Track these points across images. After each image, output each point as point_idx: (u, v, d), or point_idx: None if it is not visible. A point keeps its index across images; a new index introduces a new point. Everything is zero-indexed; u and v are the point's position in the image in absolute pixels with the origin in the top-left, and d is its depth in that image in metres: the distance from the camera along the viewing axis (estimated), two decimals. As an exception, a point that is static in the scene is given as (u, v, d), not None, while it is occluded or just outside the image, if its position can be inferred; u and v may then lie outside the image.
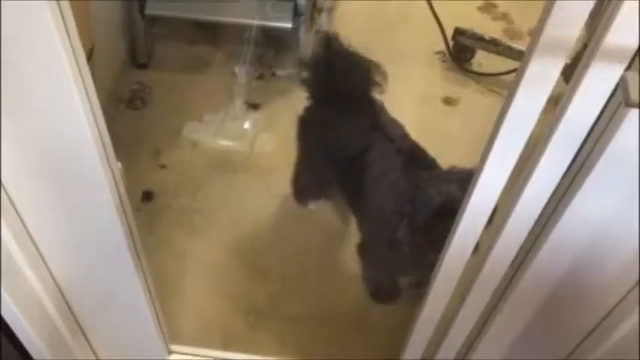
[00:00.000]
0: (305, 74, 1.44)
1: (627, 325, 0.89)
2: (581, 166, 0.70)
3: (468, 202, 0.81)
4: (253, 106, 1.95)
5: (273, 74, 2.04)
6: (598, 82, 0.60)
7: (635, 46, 0.56)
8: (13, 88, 0.70)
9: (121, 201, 0.90)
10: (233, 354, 1.34)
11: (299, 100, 1.86)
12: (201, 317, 1.50)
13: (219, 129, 1.89)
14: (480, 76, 2.06)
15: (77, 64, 0.71)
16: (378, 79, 1.38)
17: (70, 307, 1.10)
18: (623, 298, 0.86)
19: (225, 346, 1.42)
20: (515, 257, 0.87)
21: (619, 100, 0.59)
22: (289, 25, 1.87)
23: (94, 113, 0.77)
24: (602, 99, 0.61)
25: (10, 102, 0.72)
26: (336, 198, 1.64)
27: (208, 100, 1.95)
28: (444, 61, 2.11)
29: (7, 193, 0.84)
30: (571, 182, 0.72)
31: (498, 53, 2.01)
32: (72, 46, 0.69)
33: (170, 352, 1.29)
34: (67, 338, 1.13)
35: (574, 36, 0.59)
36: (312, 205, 1.69)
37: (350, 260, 1.48)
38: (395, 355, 1.27)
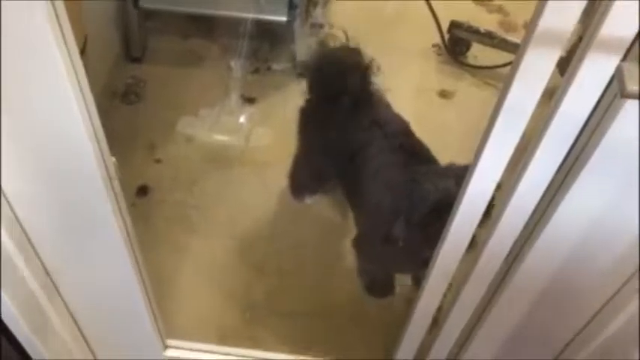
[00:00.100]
0: (302, 70, 1.43)
1: (622, 319, 0.90)
2: (577, 158, 0.70)
3: (462, 196, 0.80)
4: (249, 100, 1.94)
5: (269, 68, 2.04)
6: (594, 74, 0.59)
7: (631, 37, 0.56)
8: (5, 83, 0.70)
9: (116, 196, 0.90)
10: (229, 349, 1.34)
11: (294, 93, 1.87)
12: (198, 312, 1.50)
13: (214, 123, 1.88)
14: (476, 69, 2.05)
15: (70, 58, 0.70)
16: (374, 74, 1.38)
17: (65, 304, 1.10)
18: (618, 290, 0.86)
19: (222, 340, 1.42)
20: (510, 251, 0.87)
21: (615, 92, 0.59)
22: (284, 19, 1.86)
23: (87, 108, 0.76)
24: (598, 90, 0.61)
25: (2, 98, 0.71)
26: (335, 192, 1.64)
27: (203, 94, 1.94)
28: (439, 54, 2.11)
29: (1, 189, 0.83)
30: (566, 175, 0.72)
31: (494, 46, 2.00)
32: (65, 41, 0.68)
33: (166, 347, 1.29)
34: (63, 335, 1.13)
35: (569, 28, 0.58)
36: (309, 200, 1.69)
37: (346, 255, 1.48)
38: (391, 349, 1.27)
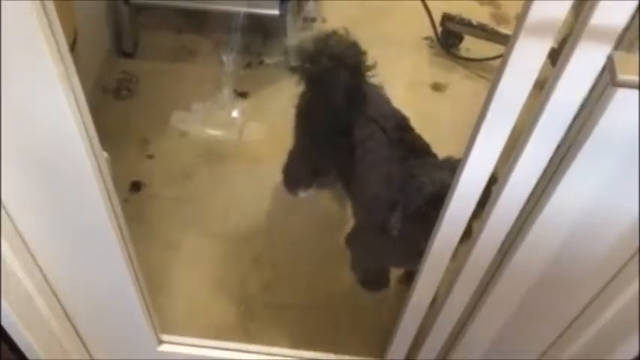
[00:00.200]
0: (296, 65, 1.42)
1: (614, 309, 0.90)
2: (569, 148, 0.70)
3: (455, 187, 0.81)
4: (241, 95, 1.94)
5: (261, 62, 2.03)
6: (585, 63, 0.59)
7: (622, 26, 0.56)
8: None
9: (108, 191, 0.89)
10: (224, 343, 1.34)
11: (287, 87, 1.86)
12: (193, 307, 1.50)
13: (207, 118, 1.88)
14: (468, 62, 2.06)
15: (60, 54, 0.70)
16: (372, 69, 1.38)
17: (59, 300, 1.10)
18: (611, 278, 0.87)
19: (217, 334, 1.42)
20: (503, 243, 0.87)
21: (606, 81, 0.59)
22: (276, 12, 1.85)
23: (78, 104, 0.76)
24: (590, 79, 0.61)
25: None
26: (333, 186, 1.64)
27: (196, 89, 1.94)
28: (432, 47, 2.11)
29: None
30: (559, 165, 0.72)
31: (486, 38, 2.00)
32: (54, 36, 0.68)
33: (161, 343, 1.29)
34: (57, 332, 1.12)
35: (560, 18, 0.58)
36: (303, 194, 1.68)
37: (341, 248, 1.48)
38: (386, 342, 1.27)
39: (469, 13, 2.05)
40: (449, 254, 0.93)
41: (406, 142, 1.31)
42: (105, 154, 0.89)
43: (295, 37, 1.98)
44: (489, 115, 0.70)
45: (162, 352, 1.29)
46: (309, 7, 2.17)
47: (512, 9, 2.20)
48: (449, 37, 2.07)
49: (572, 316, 0.99)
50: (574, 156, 0.68)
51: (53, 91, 0.71)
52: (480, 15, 2.12)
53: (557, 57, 0.63)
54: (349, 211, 1.54)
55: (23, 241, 0.94)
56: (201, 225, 1.65)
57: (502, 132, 0.71)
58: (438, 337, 1.15)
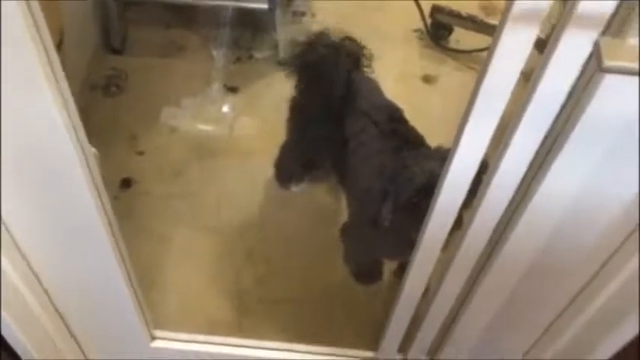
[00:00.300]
0: (287, 60, 1.42)
1: (605, 295, 0.91)
2: (558, 134, 0.70)
3: (445, 176, 0.81)
4: (231, 90, 1.93)
5: (251, 57, 2.02)
6: (572, 49, 0.59)
7: (609, 12, 0.56)
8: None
9: (97, 188, 0.89)
10: (218, 337, 1.33)
11: (277, 82, 1.86)
12: (186, 302, 1.50)
13: (197, 113, 1.87)
14: (458, 53, 2.06)
15: (46, 52, 0.69)
16: (364, 61, 1.38)
17: (50, 297, 1.09)
18: (603, 264, 0.87)
19: (211, 330, 1.42)
20: (494, 231, 0.87)
21: (594, 67, 0.59)
22: (265, 6, 1.84)
23: (65, 101, 0.75)
24: (578, 66, 0.61)
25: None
26: (327, 179, 1.64)
27: (186, 84, 1.93)
28: (421, 39, 2.10)
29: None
30: (548, 152, 0.72)
31: (476, 30, 2.00)
32: (39, 34, 0.67)
33: (153, 339, 1.28)
34: (50, 330, 1.12)
35: (545, 6, 0.58)
36: (295, 188, 1.68)
37: (334, 242, 1.48)
38: (379, 335, 1.28)
39: (458, 4, 2.05)
40: (440, 244, 0.93)
41: (400, 134, 1.31)
42: (93, 150, 0.89)
43: (285, 31, 1.98)
44: (478, 104, 0.69)
45: (155, 348, 1.29)
46: (299, 1, 2.16)
47: (501, 0, 2.20)
48: (438, 29, 2.07)
49: (562, 306, 0.99)
50: (563, 143, 0.68)
51: (39, 88, 0.71)
52: (470, 7, 2.11)
53: (545, 47, 0.63)
54: (343, 204, 1.54)
55: (13, 239, 0.93)
56: (193, 220, 1.64)
57: (490, 120, 0.71)
58: (431, 329, 1.15)
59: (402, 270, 1.48)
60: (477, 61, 2.02)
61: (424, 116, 1.78)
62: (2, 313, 0.97)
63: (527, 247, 0.87)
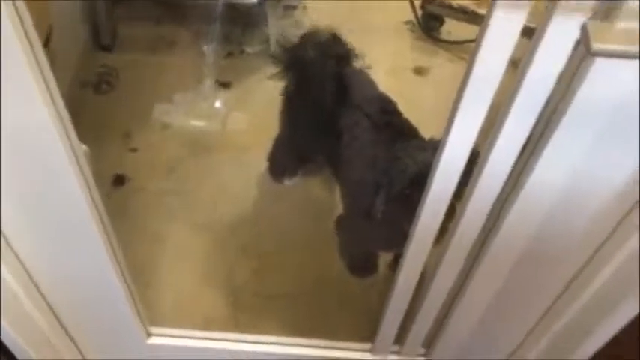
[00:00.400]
0: (278, 56, 1.41)
1: (599, 281, 0.91)
2: (549, 120, 0.70)
3: (437, 166, 0.81)
4: (223, 85, 1.93)
5: (242, 51, 2.02)
6: (561, 33, 0.59)
7: (596, -5, 0.56)
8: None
9: (88, 184, 0.88)
10: (214, 333, 1.33)
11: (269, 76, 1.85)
12: (182, 299, 1.50)
13: (190, 109, 1.87)
14: (450, 45, 2.05)
15: (32, 50, 0.68)
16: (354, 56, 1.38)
17: (43, 296, 1.09)
18: (596, 250, 0.87)
19: (207, 325, 1.42)
20: (487, 220, 0.87)
21: (583, 51, 0.59)
22: (255, 0, 1.84)
23: (53, 99, 0.74)
24: (567, 50, 0.61)
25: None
26: (320, 173, 1.63)
27: (177, 80, 1.92)
28: (413, 31, 2.10)
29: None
30: (539, 138, 0.72)
31: (467, 21, 2.00)
32: (25, 32, 0.66)
33: (149, 335, 1.28)
34: (46, 330, 1.12)
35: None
36: (288, 182, 1.68)
37: (329, 235, 1.48)
38: (375, 327, 1.28)
39: (449, -5, 2.04)
40: (433, 235, 0.93)
41: (394, 126, 1.31)
42: (84, 146, 0.88)
43: (276, 25, 1.97)
44: (467, 92, 0.69)
45: (151, 344, 1.28)
46: (289, -6, 2.15)
47: (492, -10, 2.19)
48: (430, 20, 2.06)
49: (556, 293, 0.99)
50: (554, 129, 0.68)
51: (27, 87, 0.70)
52: (460, -2, 2.11)
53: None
54: (336, 198, 1.54)
55: (4, 236, 0.92)
56: (187, 217, 1.64)
57: (480, 108, 0.71)
58: (426, 320, 1.15)
59: (397, 262, 1.48)
60: (469, 52, 2.00)
61: (417, 108, 1.78)
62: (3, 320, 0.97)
63: (519, 235, 0.87)
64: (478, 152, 0.79)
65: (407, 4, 2.05)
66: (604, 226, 0.83)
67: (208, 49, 1.98)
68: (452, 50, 2.05)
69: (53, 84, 0.74)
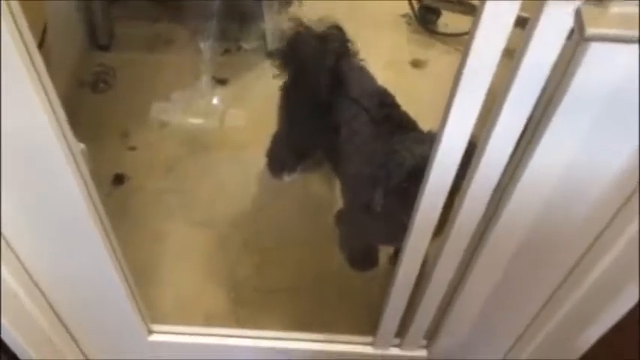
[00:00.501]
0: (275, 51, 1.41)
1: (598, 270, 0.91)
2: (546, 107, 0.69)
3: (434, 158, 0.80)
4: (221, 82, 1.92)
5: (239, 48, 2.01)
6: (555, 20, 0.59)
7: (590, -20, 0.56)
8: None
9: (86, 183, 0.88)
10: (215, 329, 1.33)
11: (266, 73, 1.84)
12: (182, 296, 1.50)
13: (187, 107, 1.86)
14: (447, 37, 2.05)
15: (27, 50, 0.68)
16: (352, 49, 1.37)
17: (44, 295, 1.09)
18: (597, 236, 0.87)
19: (208, 322, 1.42)
20: (486, 210, 0.87)
21: (578, 36, 0.59)
22: (251, -4, 1.83)
23: (49, 98, 0.74)
24: (561, 36, 0.60)
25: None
26: (319, 168, 1.63)
27: (175, 78, 1.92)
28: (409, 24, 2.10)
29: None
30: (536, 125, 0.72)
31: (463, 13, 2.00)
32: (19, 31, 0.66)
33: (151, 333, 1.28)
34: (46, 329, 1.12)
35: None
36: (287, 178, 1.68)
37: (329, 230, 1.48)
38: (377, 321, 1.28)
39: (446, -12, 2.04)
40: (432, 226, 0.93)
41: (392, 119, 1.31)
42: (82, 145, 0.88)
43: (272, 20, 1.96)
44: (463, 82, 0.69)
45: (152, 342, 1.28)
46: (286, -10, 2.14)
47: (488, -18, 2.19)
48: (426, 13, 2.06)
49: (557, 282, 0.99)
50: (551, 116, 0.68)
51: (22, 87, 0.70)
52: (457, -11, 2.11)
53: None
54: (336, 192, 1.54)
55: (4, 236, 0.92)
56: (187, 214, 1.64)
57: (476, 98, 0.71)
58: (427, 313, 1.15)
59: (397, 256, 1.48)
60: (466, 44, 2.01)
61: (414, 101, 1.77)
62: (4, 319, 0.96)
63: (519, 224, 0.87)
64: (475, 144, 0.79)
65: (403, -3, 2.04)
66: (604, 212, 0.83)
67: (205, 46, 1.97)
68: (449, 42, 2.04)
69: (49, 84, 0.74)
